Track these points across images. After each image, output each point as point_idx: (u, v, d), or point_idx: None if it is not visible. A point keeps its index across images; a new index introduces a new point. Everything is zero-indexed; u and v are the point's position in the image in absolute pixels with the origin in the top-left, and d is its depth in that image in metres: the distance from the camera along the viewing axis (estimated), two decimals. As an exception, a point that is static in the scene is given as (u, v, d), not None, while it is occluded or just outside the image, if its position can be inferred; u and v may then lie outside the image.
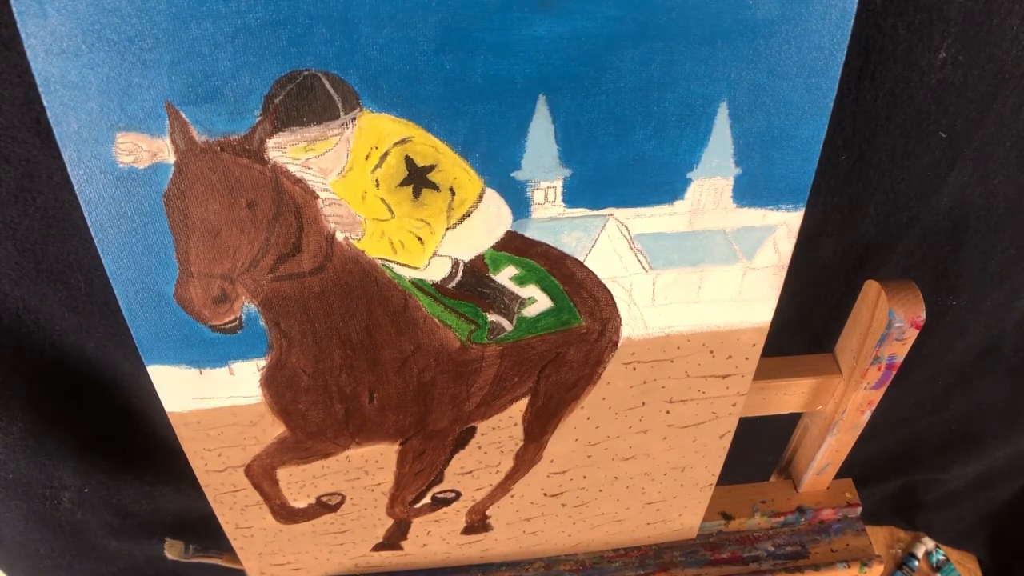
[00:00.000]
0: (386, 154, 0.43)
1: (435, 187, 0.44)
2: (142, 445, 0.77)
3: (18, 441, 0.68)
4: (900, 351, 0.61)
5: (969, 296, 0.79)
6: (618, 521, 0.72)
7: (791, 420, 0.76)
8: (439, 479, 0.63)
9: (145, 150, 0.41)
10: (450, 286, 0.49)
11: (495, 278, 0.49)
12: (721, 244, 0.50)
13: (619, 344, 0.54)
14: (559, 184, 0.45)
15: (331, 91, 0.40)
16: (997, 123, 0.60)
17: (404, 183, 0.44)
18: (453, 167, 0.44)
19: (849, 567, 0.76)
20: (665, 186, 0.46)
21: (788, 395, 0.67)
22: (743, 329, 0.55)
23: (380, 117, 0.41)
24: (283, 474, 0.59)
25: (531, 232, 0.47)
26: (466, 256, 0.48)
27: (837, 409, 0.68)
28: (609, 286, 0.51)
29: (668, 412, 0.61)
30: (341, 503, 0.64)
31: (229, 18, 0.37)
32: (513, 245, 0.48)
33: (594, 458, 0.64)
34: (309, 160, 0.42)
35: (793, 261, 0.51)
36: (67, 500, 0.77)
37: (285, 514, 0.63)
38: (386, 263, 0.47)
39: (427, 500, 0.65)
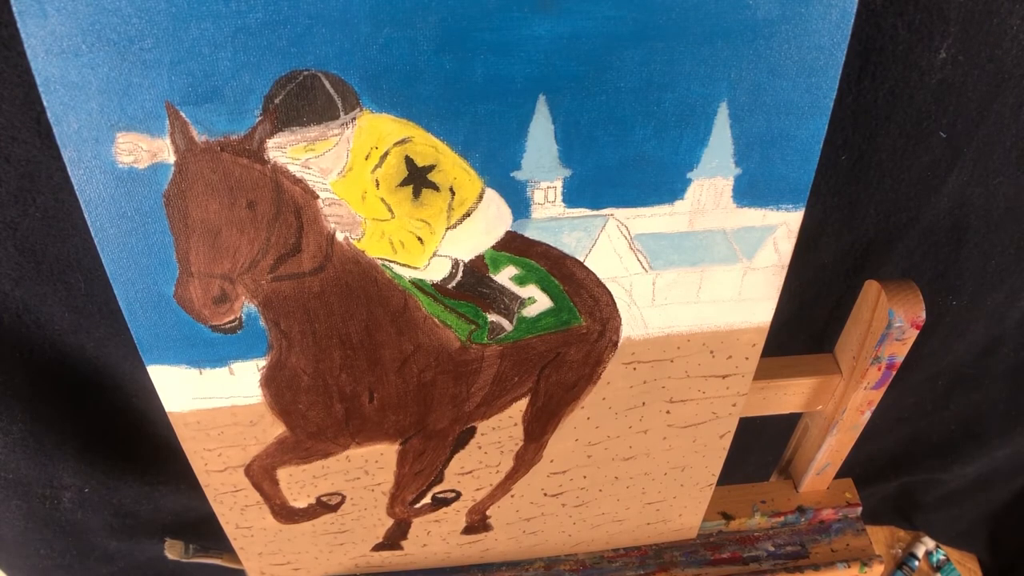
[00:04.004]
0: (386, 154, 0.43)
1: (435, 187, 0.44)
2: (142, 445, 0.77)
3: (18, 441, 0.68)
4: (900, 351, 0.61)
5: (969, 296, 0.79)
6: (618, 521, 0.72)
7: (791, 420, 0.76)
8: (439, 479, 0.63)
9: (145, 150, 0.41)
10: (450, 286, 0.49)
11: (495, 278, 0.49)
12: (721, 244, 0.49)
13: (619, 344, 0.54)
14: (559, 184, 0.45)
15: (331, 91, 0.40)
16: (997, 123, 0.60)
17: (404, 183, 0.44)
18: (453, 167, 0.44)
19: (849, 567, 0.76)
20: (665, 186, 0.46)
21: (788, 395, 0.67)
22: (743, 329, 0.55)
23: (380, 117, 0.41)
24: (283, 474, 0.59)
25: (531, 232, 0.47)
26: (466, 256, 0.48)
27: (837, 409, 0.68)
28: (609, 286, 0.51)
29: (668, 412, 0.61)
30: (341, 503, 0.64)
31: (229, 18, 0.37)
32: (513, 245, 0.48)
33: (594, 458, 0.64)
34: (309, 160, 0.42)
35: (793, 261, 0.51)
36: (67, 500, 0.77)
37: (285, 514, 0.63)
38: (386, 263, 0.47)
39: (427, 500, 0.65)
